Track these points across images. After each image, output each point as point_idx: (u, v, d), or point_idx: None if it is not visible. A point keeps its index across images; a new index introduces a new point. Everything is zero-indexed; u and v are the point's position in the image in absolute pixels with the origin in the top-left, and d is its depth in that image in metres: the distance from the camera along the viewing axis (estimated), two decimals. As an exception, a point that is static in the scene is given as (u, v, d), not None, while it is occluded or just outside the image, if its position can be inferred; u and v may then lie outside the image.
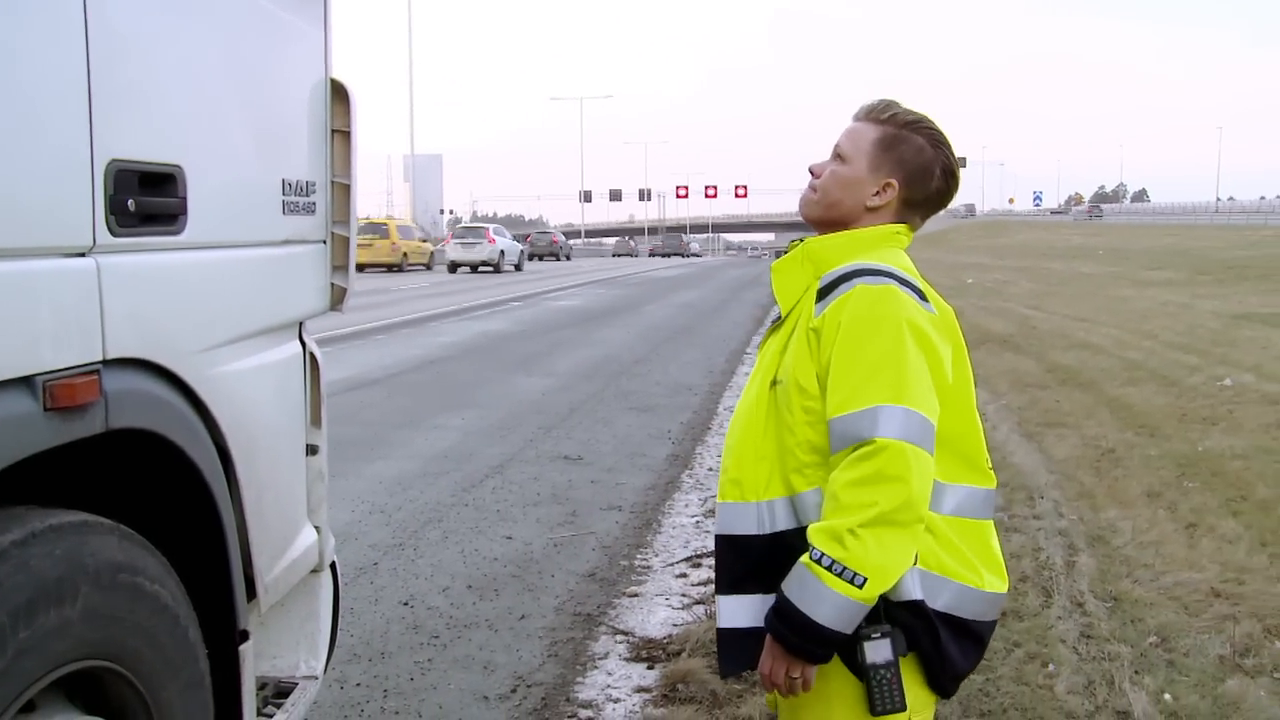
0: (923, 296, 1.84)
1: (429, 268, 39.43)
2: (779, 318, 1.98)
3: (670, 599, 4.66)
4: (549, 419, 8.85)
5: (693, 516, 5.97)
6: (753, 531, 1.88)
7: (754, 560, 1.88)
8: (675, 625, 4.32)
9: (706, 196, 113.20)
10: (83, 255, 1.65)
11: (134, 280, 1.77)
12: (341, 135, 2.57)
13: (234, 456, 2.06)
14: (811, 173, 2.00)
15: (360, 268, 38.28)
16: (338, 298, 2.63)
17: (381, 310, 19.30)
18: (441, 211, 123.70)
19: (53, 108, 1.58)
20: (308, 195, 2.42)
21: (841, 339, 1.78)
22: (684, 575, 4.96)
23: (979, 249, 55.55)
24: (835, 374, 1.77)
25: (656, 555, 5.29)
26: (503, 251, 38.82)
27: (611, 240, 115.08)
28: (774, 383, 1.89)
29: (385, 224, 38.92)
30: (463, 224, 44.71)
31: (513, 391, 10.26)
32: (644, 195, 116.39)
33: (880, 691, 1.76)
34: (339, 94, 2.55)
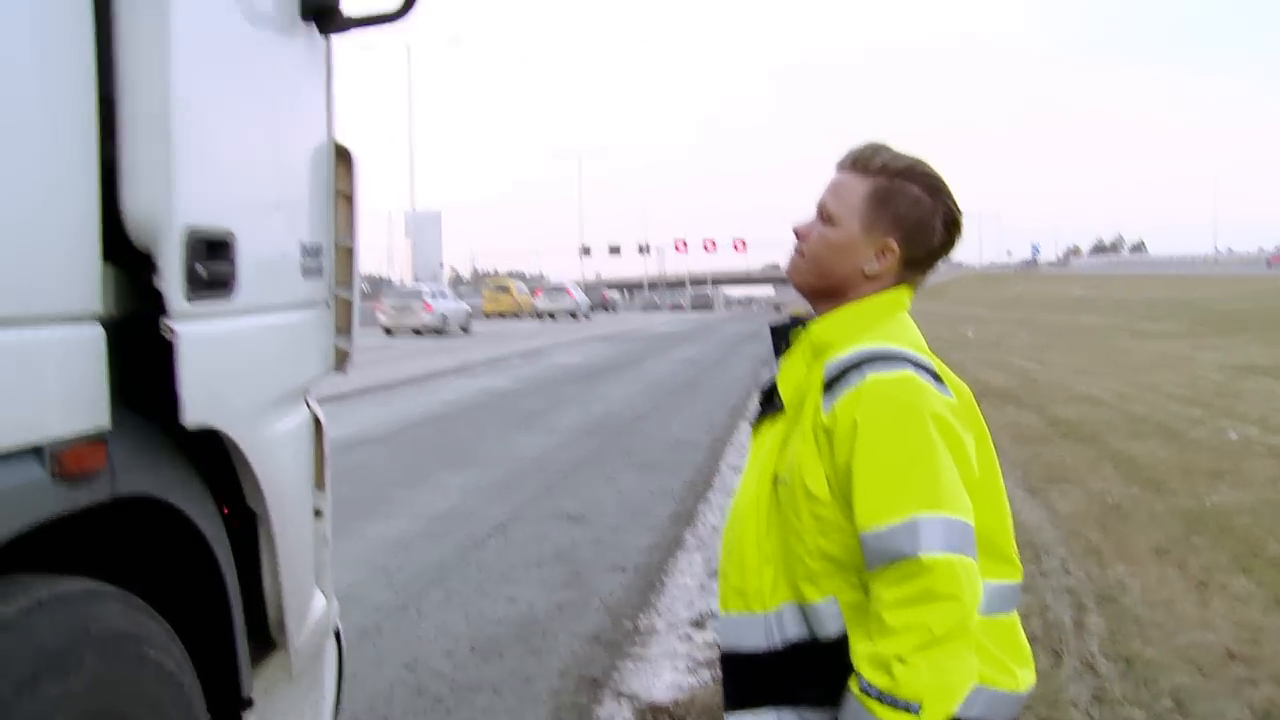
0: (938, 378, 1.67)
1: (535, 316, 53.01)
2: (776, 404, 1.80)
3: (676, 661, 4.60)
4: (550, 477, 8.82)
5: (696, 577, 5.92)
6: (762, 646, 1.72)
7: (765, 675, 1.72)
8: (681, 689, 4.26)
9: (705, 250, 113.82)
10: (169, 320, 1.73)
11: (203, 346, 1.81)
12: (344, 198, 2.59)
13: (272, 519, 2.08)
14: (797, 234, 1.82)
15: (487, 314, 54.71)
16: (340, 360, 2.63)
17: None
18: (441, 266, 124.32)
19: (142, 172, 1.66)
20: (316, 258, 2.43)
21: (861, 441, 1.61)
22: (689, 637, 4.90)
23: (977, 301, 55.73)
24: (860, 481, 1.61)
25: (660, 616, 5.24)
26: (578, 304, 53.52)
27: (611, 293, 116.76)
28: (776, 480, 1.73)
29: (507, 284, 57.85)
30: (549, 285, 59.89)
31: (514, 448, 10.24)
32: (643, 249, 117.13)
33: None
34: (342, 157, 2.57)
